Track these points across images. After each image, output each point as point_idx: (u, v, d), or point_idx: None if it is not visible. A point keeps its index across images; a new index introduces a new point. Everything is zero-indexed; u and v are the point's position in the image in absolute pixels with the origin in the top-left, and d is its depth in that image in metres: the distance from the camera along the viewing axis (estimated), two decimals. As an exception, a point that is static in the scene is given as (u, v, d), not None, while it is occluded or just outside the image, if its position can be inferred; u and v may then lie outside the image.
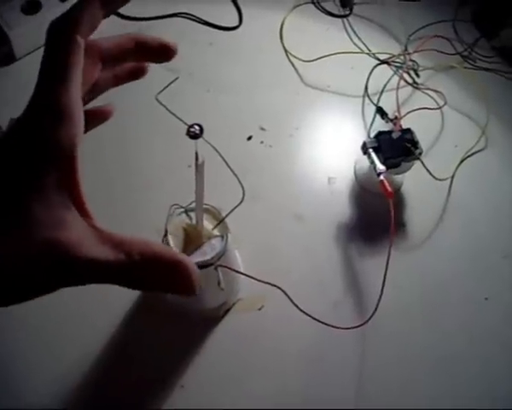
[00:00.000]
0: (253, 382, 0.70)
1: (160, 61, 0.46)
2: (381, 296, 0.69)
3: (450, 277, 0.78)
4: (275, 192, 0.82)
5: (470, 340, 0.74)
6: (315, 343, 0.72)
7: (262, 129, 0.88)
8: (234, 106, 0.90)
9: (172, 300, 0.71)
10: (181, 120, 0.48)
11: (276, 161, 0.85)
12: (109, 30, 0.96)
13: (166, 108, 0.51)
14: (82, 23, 0.37)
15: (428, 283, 0.78)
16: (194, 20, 1.00)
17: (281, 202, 0.82)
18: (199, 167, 0.51)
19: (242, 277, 0.68)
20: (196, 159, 0.50)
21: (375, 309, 0.68)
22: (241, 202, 0.55)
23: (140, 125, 0.87)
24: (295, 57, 0.96)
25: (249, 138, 0.87)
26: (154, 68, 0.91)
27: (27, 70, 0.91)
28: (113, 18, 0.97)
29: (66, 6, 0.89)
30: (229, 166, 0.52)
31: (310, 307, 0.65)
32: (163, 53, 0.44)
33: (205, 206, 0.60)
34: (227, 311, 0.73)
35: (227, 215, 0.59)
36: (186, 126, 0.46)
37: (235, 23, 1.00)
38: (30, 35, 0.91)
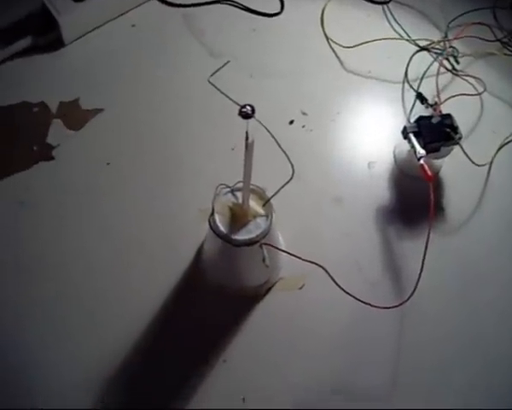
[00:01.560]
0: (292, 358, 0.71)
1: None
2: (419, 277, 0.70)
3: (487, 260, 0.79)
4: (316, 175, 0.84)
5: (506, 323, 0.75)
6: (353, 322, 0.74)
7: (304, 114, 0.89)
8: (276, 91, 0.92)
9: (217, 278, 0.73)
10: (234, 101, 0.50)
11: (317, 145, 0.87)
12: (154, 15, 0.99)
13: (220, 90, 0.53)
14: None
15: (465, 266, 0.79)
16: (236, 6, 1.01)
17: (321, 185, 0.84)
18: (249, 147, 0.53)
19: (284, 256, 0.69)
20: (247, 138, 0.52)
21: (414, 290, 0.69)
22: (291, 178, 0.56)
23: (187, 107, 0.89)
24: (336, 43, 0.97)
25: (291, 123, 0.88)
26: (199, 53, 0.95)
27: (75, 55, 0.94)
28: (156, 4, 1.00)
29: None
30: (278, 145, 0.54)
31: (349, 287, 0.66)
32: None
33: (251, 186, 0.62)
34: (269, 289, 0.75)
35: (275, 193, 0.61)
36: (235, 108, 0.48)
37: (277, 10, 1.02)
38: (78, 21, 0.94)
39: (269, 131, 0.53)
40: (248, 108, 0.47)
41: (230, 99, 0.50)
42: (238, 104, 0.47)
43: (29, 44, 0.93)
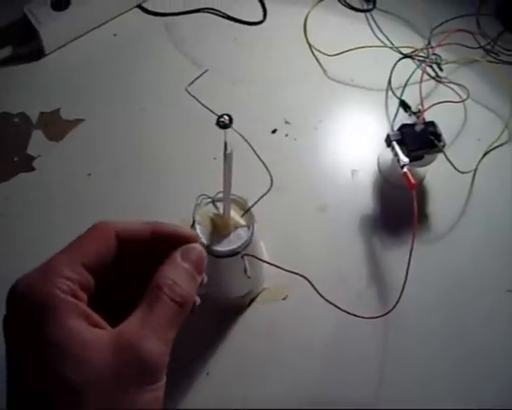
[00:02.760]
0: (276, 371, 0.71)
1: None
2: (403, 287, 0.69)
3: (473, 269, 0.79)
4: (299, 184, 0.84)
5: (492, 333, 0.75)
6: (337, 333, 0.73)
7: (286, 122, 0.89)
8: (259, 100, 0.91)
9: (199, 289, 0.72)
10: (211, 111, 0.49)
11: (301, 154, 0.87)
12: (136, 25, 0.98)
13: (197, 99, 0.53)
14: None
15: (451, 275, 0.78)
16: (218, 15, 1.01)
17: (305, 193, 0.83)
18: (227, 157, 0.52)
19: (267, 267, 0.69)
20: (225, 149, 0.51)
21: (398, 300, 0.69)
22: (270, 189, 0.56)
23: (168, 117, 0.89)
24: (319, 51, 0.97)
25: (274, 132, 0.88)
26: (180, 62, 0.94)
27: (56, 65, 0.93)
28: (138, 13, 1.00)
29: (95, 2, 0.92)
30: (257, 155, 0.53)
31: (332, 297, 0.65)
32: (179, 242, 0.45)
33: (231, 196, 0.61)
34: (252, 300, 0.74)
35: (255, 203, 0.60)
36: (214, 118, 0.47)
37: (260, 18, 1.01)
38: (59, 31, 0.93)
39: (247, 140, 0.53)
40: (226, 117, 0.47)
41: (208, 108, 0.50)
42: (216, 114, 0.46)
43: (9, 54, 0.92)
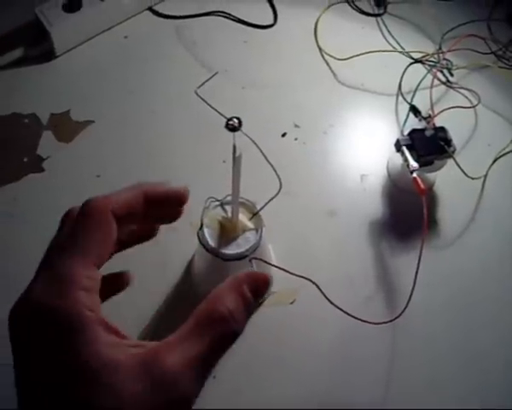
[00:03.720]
0: (283, 374, 0.71)
1: (170, 219, 0.46)
2: (412, 293, 0.69)
3: (481, 275, 0.78)
4: (308, 188, 0.83)
5: (499, 338, 0.74)
6: (345, 338, 0.73)
7: (296, 126, 0.89)
8: (268, 103, 0.91)
9: (207, 292, 0.72)
10: (221, 113, 0.49)
11: (310, 158, 0.86)
12: (147, 27, 0.99)
13: (206, 102, 0.53)
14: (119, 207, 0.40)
15: (459, 281, 0.78)
16: (229, 18, 1.01)
17: (314, 198, 0.83)
18: (236, 160, 0.52)
19: (275, 271, 0.68)
20: (234, 152, 0.51)
21: (406, 305, 0.69)
22: (278, 192, 0.56)
23: (177, 120, 0.89)
24: (329, 55, 0.97)
25: (283, 135, 0.88)
26: (190, 65, 0.94)
27: (67, 67, 0.94)
28: (149, 16, 1.00)
29: (107, 4, 0.92)
30: (266, 158, 0.53)
31: (341, 302, 0.65)
32: (173, 202, 0.44)
33: (240, 199, 0.61)
34: (260, 304, 0.74)
35: (264, 206, 0.60)
36: (224, 121, 0.47)
37: (270, 21, 1.01)
38: (70, 33, 0.93)
39: (255, 143, 0.52)
40: (235, 120, 0.46)
41: (217, 111, 0.50)
42: (225, 117, 0.46)
43: (20, 55, 0.93)
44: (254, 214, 0.62)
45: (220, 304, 0.37)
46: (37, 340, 0.34)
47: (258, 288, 0.39)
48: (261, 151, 0.53)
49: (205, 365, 0.35)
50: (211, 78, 0.62)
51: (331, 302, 0.65)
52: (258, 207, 0.62)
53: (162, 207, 0.42)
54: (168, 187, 0.44)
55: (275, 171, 0.56)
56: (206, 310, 0.37)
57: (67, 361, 0.33)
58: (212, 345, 0.36)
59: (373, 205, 0.83)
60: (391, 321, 0.69)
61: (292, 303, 0.74)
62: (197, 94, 0.56)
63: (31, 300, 0.35)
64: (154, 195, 0.42)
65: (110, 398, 0.32)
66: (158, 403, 0.33)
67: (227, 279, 0.39)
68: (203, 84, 0.58)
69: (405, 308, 0.69)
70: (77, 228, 0.39)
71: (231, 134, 0.48)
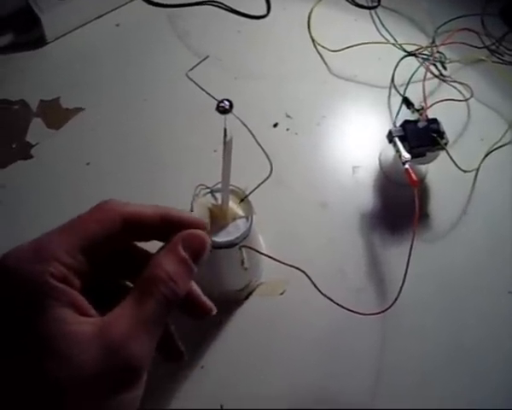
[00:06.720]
0: (272, 365, 0.70)
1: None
2: (402, 285, 0.68)
3: (473, 269, 0.78)
4: (299, 179, 0.83)
5: (491, 333, 0.74)
6: (335, 329, 0.72)
7: (288, 116, 0.88)
8: (260, 93, 0.91)
9: (197, 281, 0.71)
10: (212, 96, 0.48)
11: (302, 149, 0.86)
12: (139, 15, 0.98)
13: (197, 85, 0.52)
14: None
15: (450, 274, 0.77)
16: (222, 7, 1.00)
17: (305, 189, 0.82)
18: (227, 144, 0.51)
19: (265, 260, 0.68)
20: (225, 135, 0.50)
21: (397, 297, 0.68)
22: (269, 176, 0.55)
23: (168, 108, 0.88)
24: (323, 47, 0.96)
25: (275, 125, 0.87)
26: (182, 54, 0.94)
27: (57, 54, 0.93)
28: (141, 4, 0.99)
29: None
30: (257, 141, 0.52)
31: (331, 293, 0.65)
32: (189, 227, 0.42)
33: (230, 187, 0.60)
34: (249, 294, 0.74)
35: (254, 189, 0.59)
36: (215, 103, 0.46)
37: (264, 12, 1.01)
38: (61, 19, 0.92)
39: (246, 126, 0.52)
40: (226, 102, 0.46)
41: (207, 93, 0.49)
42: (216, 99, 0.45)
43: (11, 41, 0.92)
44: (244, 198, 0.61)
45: (159, 269, 0.38)
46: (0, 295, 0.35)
47: (194, 246, 0.40)
48: (252, 134, 0.52)
49: (150, 328, 0.37)
50: (202, 61, 0.62)
51: (321, 293, 0.64)
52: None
53: (177, 230, 0.42)
54: (187, 215, 0.43)
55: (266, 155, 0.56)
56: (147, 277, 0.38)
57: (25, 325, 0.34)
58: (155, 308, 0.37)
59: (364, 197, 0.82)
60: (381, 312, 0.68)
61: (282, 294, 0.74)
62: (188, 77, 0.56)
63: (4, 259, 0.35)
64: (171, 217, 0.41)
65: (61, 368, 0.33)
66: (110, 368, 0.34)
67: (164, 244, 0.41)
68: (195, 66, 0.57)
69: (396, 300, 0.68)
70: (80, 215, 0.40)
71: (222, 121, 0.47)
